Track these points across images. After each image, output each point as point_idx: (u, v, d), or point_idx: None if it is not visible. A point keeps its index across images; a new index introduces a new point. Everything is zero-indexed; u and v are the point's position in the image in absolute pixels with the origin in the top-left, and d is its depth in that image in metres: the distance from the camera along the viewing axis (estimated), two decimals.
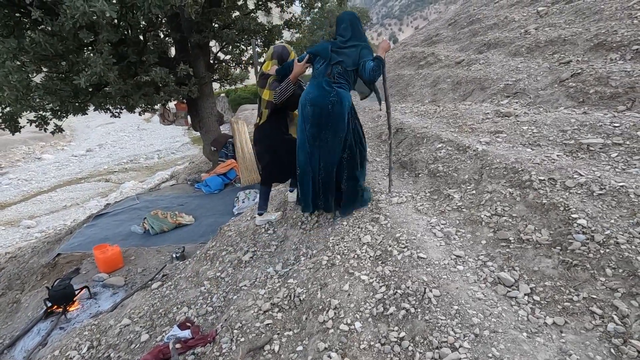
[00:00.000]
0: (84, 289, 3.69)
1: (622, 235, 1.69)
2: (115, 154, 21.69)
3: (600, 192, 1.94)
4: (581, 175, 2.07)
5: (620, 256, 1.61)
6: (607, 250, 1.65)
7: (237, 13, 6.30)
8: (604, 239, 1.68)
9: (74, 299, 3.56)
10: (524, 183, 2.20)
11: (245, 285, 2.47)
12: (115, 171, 18.19)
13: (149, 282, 3.29)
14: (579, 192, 1.97)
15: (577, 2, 5.30)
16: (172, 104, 7.06)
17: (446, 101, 4.77)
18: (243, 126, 7.04)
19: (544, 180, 2.12)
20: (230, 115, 19.31)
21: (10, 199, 14.02)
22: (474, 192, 2.43)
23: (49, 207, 13.60)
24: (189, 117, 7.22)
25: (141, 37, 5.58)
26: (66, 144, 25.55)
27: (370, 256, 2.18)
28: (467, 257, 1.95)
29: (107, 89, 5.01)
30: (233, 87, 9.41)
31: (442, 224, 2.27)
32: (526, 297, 1.66)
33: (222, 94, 19.69)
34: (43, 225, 11.46)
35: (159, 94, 5.76)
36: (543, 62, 4.37)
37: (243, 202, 5.88)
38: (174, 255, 4.29)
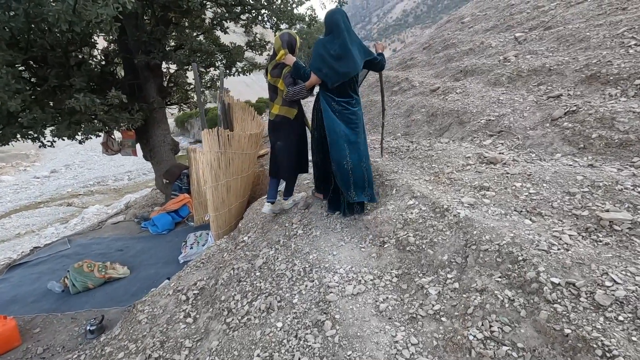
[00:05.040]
0: None
1: None
2: (82, 175, 20.39)
3: None
4: (616, 281, 1.36)
5: None
6: None
7: (188, 32, 5.59)
8: None
9: None
10: (528, 284, 1.50)
11: None
12: (79, 194, 16.93)
13: None
14: (620, 317, 1.25)
15: (557, 29, 4.88)
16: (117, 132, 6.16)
17: (420, 135, 4.14)
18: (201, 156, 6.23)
19: (559, 285, 1.41)
20: None
21: None
22: (456, 285, 1.72)
23: (0, 235, 12.25)
24: (137, 146, 6.35)
25: (82, 57, 4.80)
26: (29, 165, 24.00)
27: None
28: None
29: (20, 118, 4.13)
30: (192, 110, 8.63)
31: (412, 345, 1.52)
32: None
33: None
34: None
35: (93, 122, 4.93)
36: (528, 94, 3.83)
37: (191, 247, 4.98)
38: (89, 328, 3.38)
